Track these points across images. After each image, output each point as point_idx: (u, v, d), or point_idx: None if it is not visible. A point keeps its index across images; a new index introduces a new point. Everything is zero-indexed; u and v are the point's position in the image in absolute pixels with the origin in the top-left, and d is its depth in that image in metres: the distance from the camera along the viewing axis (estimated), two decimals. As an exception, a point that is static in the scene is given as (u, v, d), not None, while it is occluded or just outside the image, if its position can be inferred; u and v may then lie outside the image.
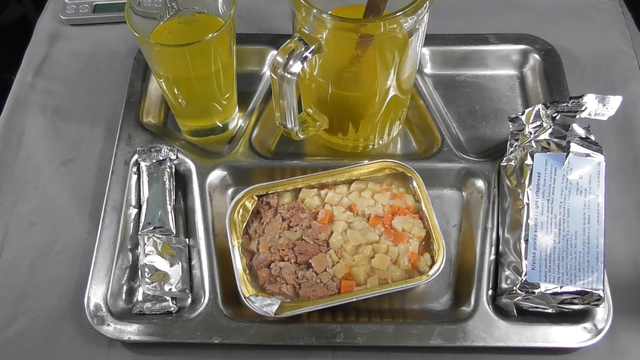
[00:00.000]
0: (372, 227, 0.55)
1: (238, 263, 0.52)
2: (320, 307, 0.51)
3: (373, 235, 0.54)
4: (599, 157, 0.52)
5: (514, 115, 0.58)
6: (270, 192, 0.56)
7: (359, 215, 0.56)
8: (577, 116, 0.53)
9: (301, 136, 0.57)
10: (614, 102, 0.52)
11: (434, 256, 0.53)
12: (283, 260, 0.54)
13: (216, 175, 0.60)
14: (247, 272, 0.53)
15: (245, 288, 0.51)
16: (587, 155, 0.52)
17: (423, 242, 0.54)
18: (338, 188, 0.58)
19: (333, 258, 0.53)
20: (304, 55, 0.47)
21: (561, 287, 0.49)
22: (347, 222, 0.55)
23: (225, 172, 0.60)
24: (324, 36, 0.48)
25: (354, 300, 0.51)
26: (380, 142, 0.62)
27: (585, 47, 0.70)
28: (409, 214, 0.55)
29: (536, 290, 0.49)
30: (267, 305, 0.50)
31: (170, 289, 0.53)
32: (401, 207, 0.56)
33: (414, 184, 0.56)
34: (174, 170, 0.60)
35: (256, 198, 0.56)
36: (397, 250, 0.53)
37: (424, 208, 0.55)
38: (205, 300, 0.53)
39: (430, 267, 0.52)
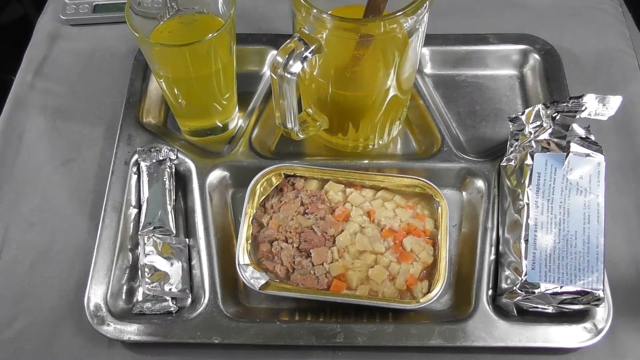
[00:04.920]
0: (382, 238, 0.54)
1: (244, 231, 0.53)
2: (305, 297, 0.52)
3: (380, 246, 0.54)
4: (599, 157, 0.53)
5: (514, 115, 0.58)
6: (298, 174, 0.57)
7: (374, 223, 0.55)
8: (577, 116, 0.53)
9: (301, 136, 0.57)
10: (614, 102, 0.52)
11: (431, 286, 0.52)
12: (286, 242, 0.54)
13: (216, 175, 0.60)
14: (249, 241, 0.54)
15: (242, 255, 0.52)
16: (587, 155, 0.53)
17: (425, 270, 0.54)
18: (364, 191, 0.58)
19: (334, 255, 0.53)
20: (304, 55, 0.47)
21: (561, 287, 0.49)
22: (360, 226, 0.55)
23: (226, 172, 0.60)
24: (324, 36, 0.48)
25: (338, 301, 0.51)
26: (380, 142, 0.62)
27: (585, 47, 0.70)
28: (423, 237, 0.55)
29: (536, 290, 0.49)
30: (255, 278, 0.52)
31: (170, 289, 0.53)
32: (418, 228, 0.55)
33: (439, 210, 0.55)
34: (174, 170, 0.60)
35: (283, 176, 0.57)
36: (398, 268, 0.53)
37: (439, 237, 0.54)
38: (205, 300, 0.53)
39: (424, 295, 0.52)
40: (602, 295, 0.49)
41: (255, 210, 0.56)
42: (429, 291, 0.52)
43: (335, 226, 0.55)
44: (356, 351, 0.52)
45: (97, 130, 0.65)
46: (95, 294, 0.53)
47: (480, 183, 0.58)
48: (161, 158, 0.60)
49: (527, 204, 0.52)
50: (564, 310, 0.50)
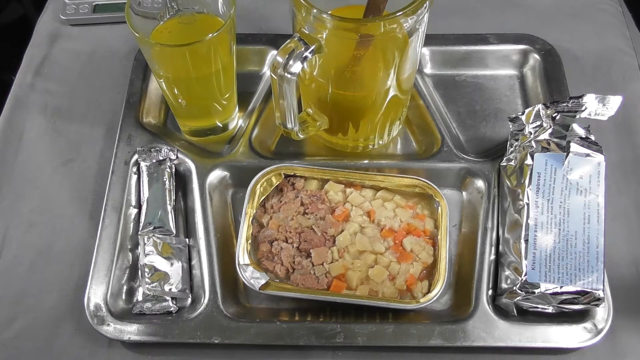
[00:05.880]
0: (382, 238, 0.54)
1: (244, 231, 0.53)
2: (305, 297, 0.52)
3: (380, 246, 0.54)
4: (599, 157, 0.53)
5: (514, 115, 0.58)
6: (298, 174, 0.57)
7: (374, 223, 0.55)
8: (577, 116, 0.53)
9: (301, 136, 0.57)
10: (614, 102, 0.52)
11: (431, 286, 0.52)
12: (286, 242, 0.54)
13: (216, 175, 0.60)
14: (249, 241, 0.54)
15: (242, 255, 0.52)
16: (587, 155, 0.53)
17: (425, 270, 0.54)
18: (364, 191, 0.58)
19: (334, 255, 0.53)
20: (304, 55, 0.47)
21: (561, 287, 0.49)
22: (360, 226, 0.55)
23: (226, 172, 0.60)
24: (324, 36, 0.48)
25: (338, 301, 0.51)
26: (380, 142, 0.62)
27: (585, 47, 0.70)
28: (423, 237, 0.55)
29: (536, 290, 0.49)
30: (255, 278, 0.52)
31: (170, 289, 0.53)
32: (418, 228, 0.55)
33: (439, 210, 0.55)
34: (174, 170, 0.60)
35: (283, 176, 0.57)
36: (398, 268, 0.53)
37: (439, 237, 0.54)
38: (205, 300, 0.53)
39: (424, 295, 0.52)
40: (602, 295, 0.49)
41: (255, 210, 0.56)
42: (429, 291, 0.52)
43: (335, 226, 0.55)
44: (356, 351, 0.52)
45: (97, 130, 0.65)
46: (95, 294, 0.53)
47: (480, 183, 0.58)
48: (161, 158, 0.60)
49: (527, 204, 0.52)
50: (564, 310, 0.50)
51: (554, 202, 0.51)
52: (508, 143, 0.58)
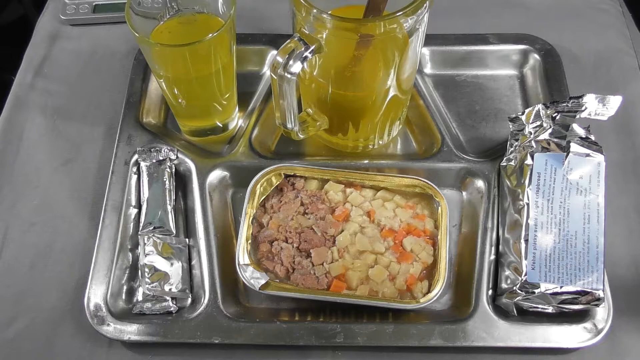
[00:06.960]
0: (382, 238, 0.54)
1: (244, 231, 0.53)
2: (304, 297, 0.52)
3: (380, 246, 0.54)
4: (599, 157, 0.53)
5: (514, 115, 0.58)
6: (298, 174, 0.57)
7: (374, 223, 0.55)
8: (577, 116, 0.53)
9: (301, 136, 0.57)
10: (614, 102, 0.52)
11: (431, 286, 0.52)
12: (286, 242, 0.54)
13: (216, 175, 0.60)
14: (249, 241, 0.54)
15: (242, 255, 0.52)
16: (587, 155, 0.53)
17: (425, 270, 0.54)
18: (364, 191, 0.58)
19: (334, 255, 0.53)
20: (304, 55, 0.47)
21: (561, 287, 0.49)
22: (360, 226, 0.55)
23: (226, 172, 0.60)
24: (324, 36, 0.48)
25: (338, 301, 0.51)
26: (380, 142, 0.62)
27: (585, 47, 0.70)
28: (423, 237, 0.55)
29: (536, 290, 0.49)
30: (255, 278, 0.52)
31: (170, 289, 0.53)
32: (418, 228, 0.55)
33: (440, 210, 0.55)
34: (174, 170, 0.60)
35: (283, 176, 0.57)
36: (398, 268, 0.53)
37: (439, 237, 0.54)
38: (205, 300, 0.53)
39: (424, 295, 0.52)
40: (602, 295, 0.49)
41: (255, 210, 0.56)
42: (429, 291, 0.52)
43: (335, 226, 0.55)
44: (356, 351, 0.52)
45: (97, 130, 0.65)
46: (95, 294, 0.53)
47: (480, 183, 0.58)
48: (161, 158, 0.60)
49: (527, 204, 0.52)
50: (564, 310, 0.50)
51: (554, 202, 0.51)
52: (508, 143, 0.58)
